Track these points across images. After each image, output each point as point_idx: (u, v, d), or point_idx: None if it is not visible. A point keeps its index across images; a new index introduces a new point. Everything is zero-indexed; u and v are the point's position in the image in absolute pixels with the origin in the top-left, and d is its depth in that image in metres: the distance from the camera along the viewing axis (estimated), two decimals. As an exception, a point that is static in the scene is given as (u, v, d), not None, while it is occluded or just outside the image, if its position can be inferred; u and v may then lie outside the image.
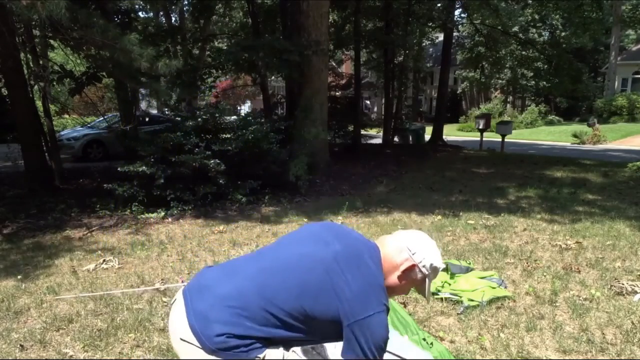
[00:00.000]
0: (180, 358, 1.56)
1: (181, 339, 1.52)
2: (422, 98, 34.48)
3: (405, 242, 1.67)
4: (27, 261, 4.38)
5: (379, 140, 14.56)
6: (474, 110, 29.35)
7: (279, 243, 1.72)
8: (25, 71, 7.35)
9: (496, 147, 14.48)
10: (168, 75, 7.69)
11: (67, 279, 3.87)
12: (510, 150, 14.56)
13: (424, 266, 1.65)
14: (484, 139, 15.48)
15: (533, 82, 25.08)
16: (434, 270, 1.69)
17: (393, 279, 1.64)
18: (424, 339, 2.60)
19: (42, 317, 3.15)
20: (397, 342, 2.78)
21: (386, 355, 2.20)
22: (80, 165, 10.93)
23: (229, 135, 6.87)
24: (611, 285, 3.52)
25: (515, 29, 21.82)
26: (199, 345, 1.46)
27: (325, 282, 1.51)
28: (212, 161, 6.35)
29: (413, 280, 1.68)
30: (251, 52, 8.44)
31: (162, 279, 3.81)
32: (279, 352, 1.56)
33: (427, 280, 1.68)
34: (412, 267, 1.64)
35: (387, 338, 1.54)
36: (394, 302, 3.24)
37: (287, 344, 1.56)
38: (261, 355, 1.50)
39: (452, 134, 20.94)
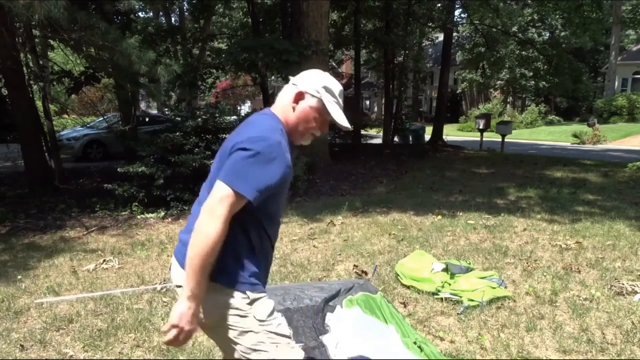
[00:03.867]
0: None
1: (177, 286, 1.58)
2: (422, 98, 34.49)
3: (290, 81, 1.65)
4: (27, 261, 4.38)
5: (379, 140, 14.57)
6: (473, 110, 29.36)
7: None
8: (25, 71, 7.35)
9: (496, 147, 14.49)
10: (167, 78, 7.71)
11: (67, 279, 3.87)
12: (510, 150, 14.56)
13: (314, 89, 1.59)
14: (484, 139, 15.49)
15: (533, 82, 25.07)
16: (328, 90, 1.60)
17: (292, 118, 1.60)
18: (415, 342, 2.60)
19: (42, 317, 3.15)
20: (379, 329, 2.78)
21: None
22: (80, 165, 10.94)
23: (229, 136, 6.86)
24: (611, 285, 3.52)
25: (515, 29, 21.82)
26: None
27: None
28: (212, 161, 6.34)
29: (311, 108, 1.59)
30: (251, 52, 8.44)
31: (162, 279, 3.81)
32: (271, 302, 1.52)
33: (324, 103, 1.59)
34: (300, 95, 1.59)
35: (259, 177, 1.43)
36: (391, 306, 3.25)
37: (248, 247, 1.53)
38: (249, 293, 1.49)
39: (452, 134, 20.94)
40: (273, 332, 1.52)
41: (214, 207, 1.41)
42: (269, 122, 1.56)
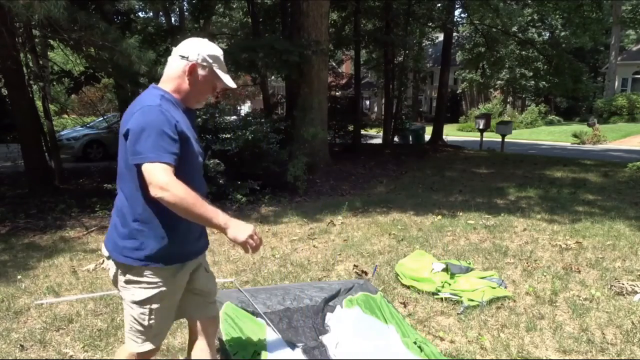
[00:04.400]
0: None
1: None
2: (422, 98, 34.50)
3: (175, 53, 1.81)
4: (27, 261, 4.38)
5: (379, 140, 14.56)
6: (473, 110, 29.37)
7: None
8: (25, 71, 7.35)
9: (496, 147, 14.49)
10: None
11: (67, 279, 3.87)
12: (510, 150, 14.56)
13: (203, 60, 1.78)
14: (484, 139, 15.49)
15: (533, 82, 25.09)
16: (215, 58, 1.81)
17: (185, 86, 1.79)
18: (415, 342, 2.60)
19: (42, 317, 3.15)
20: (379, 329, 2.78)
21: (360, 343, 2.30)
22: (80, 165, 10.93)
23: (228, 135, 6.86)
24: (611, 285, 3.52)
25: (515, 29, 21.82)
26: None
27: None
28: (211, 161, 6.35)
29: (204, 77, 1.80)
30: (251, 52, 8.44)
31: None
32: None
33: (215, 70, 1.81)
34: (193, 67, 1.77)
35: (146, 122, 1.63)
36: (391, 306, 3.25)
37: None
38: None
39: (452, 134, 20.95)
40: None
41: None
42: (143, 99, 1.73)
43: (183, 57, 1.78)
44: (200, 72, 1.79)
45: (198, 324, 2.00)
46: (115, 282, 1.84)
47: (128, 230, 1.74)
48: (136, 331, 1.80)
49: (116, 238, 1.76)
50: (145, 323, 1.78)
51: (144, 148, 1.60)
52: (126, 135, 1.65)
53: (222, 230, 1.67)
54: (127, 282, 1.76)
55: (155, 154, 1.59)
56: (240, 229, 1.68)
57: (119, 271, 1.78)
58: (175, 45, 1.87)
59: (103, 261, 4.28)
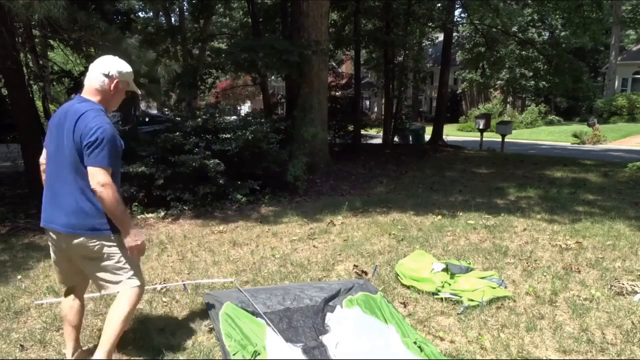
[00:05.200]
0: None
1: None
2: (422, 98, 34.49)
3: (98, 71, 2.34)
4: (27, 261, 4.38)
5: (379, 140, 14.56)
6: (473, 110, 29.36)
7: None
8: (25, 71, 7.35)
9: (496, 147, 14.49)
10: (167, 78, 7.73)
11: (67, 279, 3.87)
12: (510, 150, 14.56)
13: (122, 76, 2.39)
14: (484, 139, 15.49)
15: (533, 82, 25.08)
16: (127, 74, 2.43)
17: (111, 98, 2.40)
18: (415, 342, 2.60)
19: (42, 317, 3.15)
20: (379, 329, 2.78)
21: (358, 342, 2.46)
22: (80, 166, 10.91)
23: (229, 135, 6.86)
24: (611, 285, 3.52)
25: (515, 29, 21.81)
26: None
27: None
28: (211, 161, 6.35)
29: (122, 90, 2.44)
30: (251, 52, 8.44)
31: (162, 279, 3.81)
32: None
33: (128, 82, 2.46)
34: (117, 83, 2.38)
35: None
36: (391, 306, 3.25)
37: None
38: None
39: (452, 134, 20.95)
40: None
41: None
42: (92, 108, 2.32)
43: (107, 74, 2.35)
44: (120, 85, 2.40)
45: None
46: None
47: None
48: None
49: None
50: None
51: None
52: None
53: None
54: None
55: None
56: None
57: None
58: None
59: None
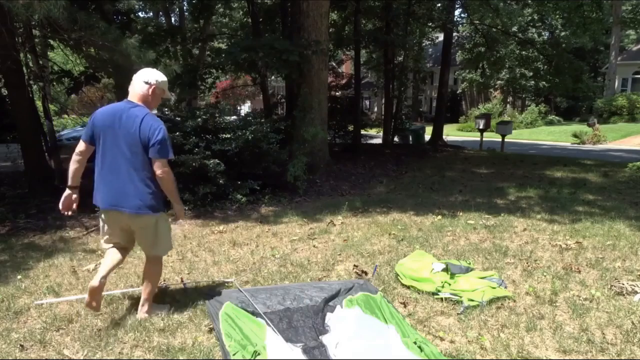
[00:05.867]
0: None
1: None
2: (422, 98, 34.46)
3: (140, 79, 2.96)
4: (27, 261, 4.38)
5: (379, 140, 14.56)
6: (473, 110, 29.35)
7: None
8: (25, 71, 7.35)
9: (496, 147, 14.49)
10: (168, 77, 7.72)
11: (67, 279, 3.87)
12: (510, 150, 14.56)
13: (158, 83, 2.98)
14: (484, 139, 15.49)
15: (533, 82, 25.08)
16: (164, 82, 3.05)
17: (151, 101, 3.00)
18: (415, 342, 2.60)
19: (42, 317, 3.15)
20: (379, 329, 2.78)
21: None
22: (80, 166, 10.90)
23: (229, 135, 6.86)
24: (611, 285, 3.52)
25: (515, 29, 21.80)
26: None
27: None
28: (211, 161, 6.35)
29: (159, 95, 3.04)
30: (251, 52, 8.44)
31: (161, 279, 3.80)
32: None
33: (164, 90, 3.07)
34: (154, 89, 2.98)
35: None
36: (391, 306, 3.25)
37: None
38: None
39: (452, 134, 20.95)
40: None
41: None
42: (144, 112, 2.93)
43: (147, 82, 2.95)
44: (157, 90, 3.00)
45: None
46: None
47: None
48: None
49: None
50: None
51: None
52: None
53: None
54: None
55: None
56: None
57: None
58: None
59: (103, 261, 4.29)
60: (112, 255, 3.05)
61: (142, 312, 3.04)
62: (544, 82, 19.58)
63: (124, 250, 3.16)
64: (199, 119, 6.80)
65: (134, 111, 2.85)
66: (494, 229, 5.18)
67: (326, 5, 8.98)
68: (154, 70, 3.01)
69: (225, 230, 5.40)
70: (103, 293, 3.51)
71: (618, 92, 26.85)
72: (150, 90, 2.94)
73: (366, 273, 3.88)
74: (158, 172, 2.84)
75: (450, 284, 3.45)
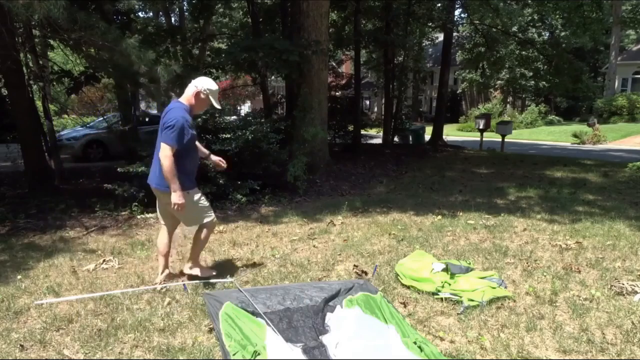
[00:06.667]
0: None
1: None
2: (422, 98, 34.47)
3: (192, 82, 3.40)
4: (27, 261, 4.38)
5: (379, 140, 14.56)
6: (473, 110, 29.35)
7: None
8: (25, 71, 7.35)
9: (496, 147, 14.49)
10: (167, 78, 7.73)
11: (67, 279, 3.87)
12: (510, 150, 14.56)
13: (203, 89, 3.39)
14: (484, 139, 15.49)
15: (533, 82, 25.08)
16: (211, 91, 3.41)
17: (194, 104, 3.42)
18: (415, 342, 2.60)
19: (42, 317, 3.15)
20: (379, 329, 2.78)
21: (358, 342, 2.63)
22: (80, 165, 10.93)
23: (229, 135, 6.86)
24: (611, 285, 3.52)
25: (515, 29, 21.80)
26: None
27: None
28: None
29: (203, 99, 3.43)
30: (251, 52, 8.44)
31: (162, 279, 3.80)
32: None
33: (209, 96, 3.42)
34: (197, 93, 3.39)
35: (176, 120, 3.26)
36: (391, 306, 3.25)
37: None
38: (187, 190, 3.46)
39: (452, 134, 20.95)
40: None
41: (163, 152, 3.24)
42: (176, 106, 3.38)
43: (195, 86, 3.40)
44: (201, 95, 3.41)
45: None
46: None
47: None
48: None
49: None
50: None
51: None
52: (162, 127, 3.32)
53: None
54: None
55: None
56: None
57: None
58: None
59: (103, 261, 4.28)
60: (159, 245, 3.66)
61: (186, 267, 3.69)
62: (544, 82, 19.58)
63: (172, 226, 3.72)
64: (199, 119, 6.80)
65: (171, 104, 3.36)
66: (494, 229, 5.18)
67: (326, 5, 8.97)
68: (209, 79, 3.44)
69: (225, 230, 5.40)
70: (103, 293, 3.52)
71: (618, 92, 26.85)
72: (194, 93, 3.37)
73: (366, 273, 3.88)
74: (160, 154, 3.21)
75: (450, 284, 3.45)
